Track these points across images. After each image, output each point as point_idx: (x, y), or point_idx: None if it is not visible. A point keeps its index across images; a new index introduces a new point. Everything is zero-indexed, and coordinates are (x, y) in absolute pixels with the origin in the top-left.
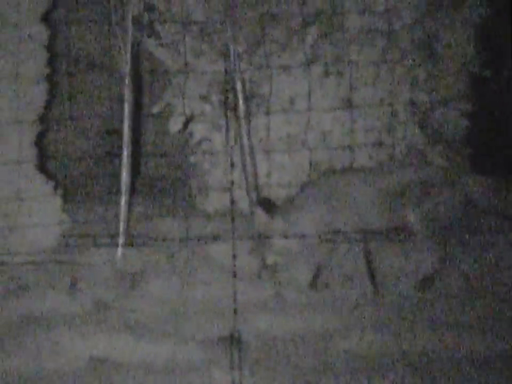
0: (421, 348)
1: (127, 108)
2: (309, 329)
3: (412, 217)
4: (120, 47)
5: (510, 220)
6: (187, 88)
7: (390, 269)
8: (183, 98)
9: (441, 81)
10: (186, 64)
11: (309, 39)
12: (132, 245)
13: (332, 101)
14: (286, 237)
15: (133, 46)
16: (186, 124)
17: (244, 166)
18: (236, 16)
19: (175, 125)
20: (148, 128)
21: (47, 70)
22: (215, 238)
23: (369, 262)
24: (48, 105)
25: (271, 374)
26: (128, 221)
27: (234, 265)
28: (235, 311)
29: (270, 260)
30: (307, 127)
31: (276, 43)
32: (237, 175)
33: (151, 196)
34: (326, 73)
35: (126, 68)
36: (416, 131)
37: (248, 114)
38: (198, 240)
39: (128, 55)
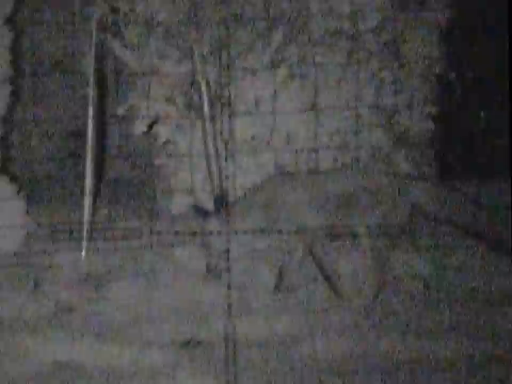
0: (385, 352)
1: (91, 110)
2: (273, 333)
3: (358, 224)
4: (84, 49)
5: (460, 227)
6: (152, 90)
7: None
8: (148, 100)
9: (407, 84)
10: (151, 65)
11: (274, 42)
12: (96, 248)
13: (296, 104)
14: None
15: (97, 48)
16: (150, 126)
17: (208, 168)
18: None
19: (139, 127)
20: (112, 130)
21: (10, 72)
22: (180, 240)
23: (321, 266)
24: (11, 107)
25: (235, 378)
26: (92, 223)
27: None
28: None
29: (214, 262)
30: (272, 129)
31: (241, 45)
32: (201, 177)
33: (115, 198)
34: (291, 76)
35: (90, 70)
36: (381, 134)
37: (213, 117)
38: (163, 242)
39: (92, 57)
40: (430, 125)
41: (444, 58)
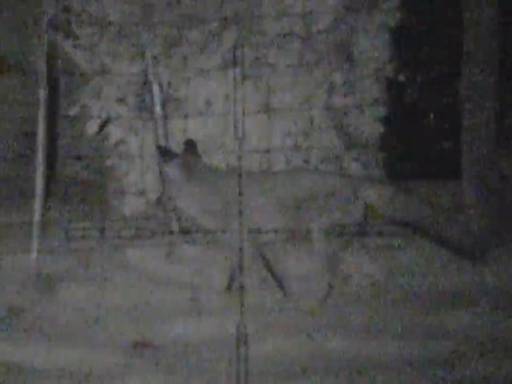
0: (333, 351)
1: (42, 110)
2: (224, 334)
3: (311, 224)
4: (36, 48)
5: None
6: (103, 90)
7: (299, 273)
8: (99, 100)
9: (357, 86)
10: (102, 66)
11: (227, 42)
12: (47, 249)
13: (249, 105)
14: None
15: (49, 48)
16: (102, 127)
17: (159, 169)
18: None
19: (91, 128)
20: (63, 130)
21: None
22: (132, 242)
23: (269, 267)
24: None
25: (185, 379)
26: (43, 224)
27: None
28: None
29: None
30: (224, 130)
31: (194, 46)
32: (153, 178)
33: (66, 200)
34: (244, 77)
35: (42, 70)
36: (332, 135)
37: (165, 117)
38: (114, 244)
39: (44, 57)
40: (380, 126)
41: (394, 60)
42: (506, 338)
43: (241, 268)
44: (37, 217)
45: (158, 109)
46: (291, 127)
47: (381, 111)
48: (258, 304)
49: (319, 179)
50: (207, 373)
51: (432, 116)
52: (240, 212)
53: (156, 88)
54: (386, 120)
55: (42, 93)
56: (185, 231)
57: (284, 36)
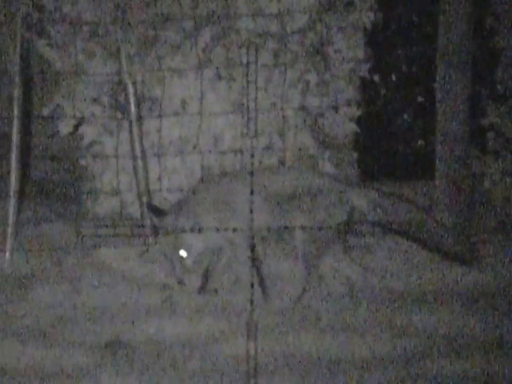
0: (306, 351)
1: (16, 110)
2: (196, 334)
3: (296, 223)
4: (9, 48)
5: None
6: (77, 90)
7: (277, 272)
8: (74, 100)
9: (332, 86)
10: (76, 65)
11: (202, 42)
12: (20, 249)
13: (223, 105)
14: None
15: (22, 47)
16: (76, 127)
17: (134, 169)
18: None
19: (65, 128)
20: (37, 130)
21: None
22: (105, 242)
23: (257, 266)
24: None
25: (158, 378)
26: (16, 225)
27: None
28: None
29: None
30: (199, 130)
31: (168, 45)
32: (127, 178)
33: (40, 200)
34: (218, 77)
35: (15, 69)
36: (307, 136)
37: (140, 117)
38: (88, 244)
39: (18, 56)
40: (354, 126)
41: (368, 60)
42: (477, 336)
43: (216, 269)
44: (11, 217)
45: (132, 108)
46: (265, 127)
47: (356, 111)
48: (231, 304)
49: (301, 178)
50: (179, 373)
51: (406, 115)
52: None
53: (130, 88)
54: (360, 120)
55: (16, 93)
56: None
57: (259, 35)
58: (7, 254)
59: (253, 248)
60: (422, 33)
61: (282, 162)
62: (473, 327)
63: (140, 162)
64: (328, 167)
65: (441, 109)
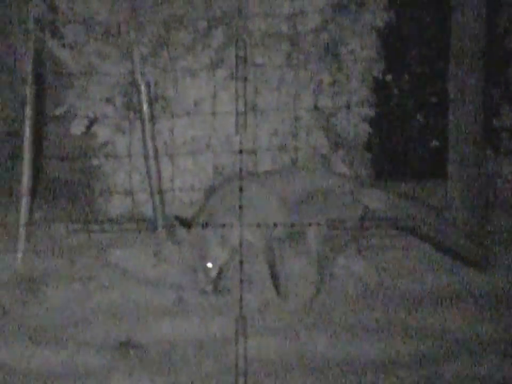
0: (320, 352)
1: (29, 110)
2: (209, 334)
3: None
4: (22, 48)
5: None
6: (90, 90)
7: (291, 273)
8: (86, 100)
9: (345, 86)
10: (89, 65)
11: (214, 42)
12: (32, 249)
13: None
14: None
15: (35, 47)
16: (89, 127)
17: (147, 169)
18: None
19: (77, 128)
20: (50, 130)
21: None
22: (118, 242)
23: (272, 267)
24: None
25: (170, 379)
26: (28, 225)
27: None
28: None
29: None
30: (211, 130)
31: (181, 46)
32: (140, 178)
33: (53, 200)
34: (231, 77)
35: (28, 69)
36: (320, 136)
37: (152, 117)
38: (100, 244)
39: (31, 56)
40: (367, 127)
41: (381, 60)
42: (491, 338)
43: (227, 268)
44: (23, 217)
45: (145, 109)
46: (278, 127)
47: (368, 111)
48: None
49: (314, 178)
50: (191, 373)
51: (419, 116)
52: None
53: (143, 88)
54: (373, 121)
55: (28, 93)
56: (171, 231)
57: (271, 36)
58: (20, 254)
59: (267, 248)
60: (434, 33)
61: (295, 163)
62: (487, 329)
63: (152, 162)
64: (341, 167)
65: (454, 109)
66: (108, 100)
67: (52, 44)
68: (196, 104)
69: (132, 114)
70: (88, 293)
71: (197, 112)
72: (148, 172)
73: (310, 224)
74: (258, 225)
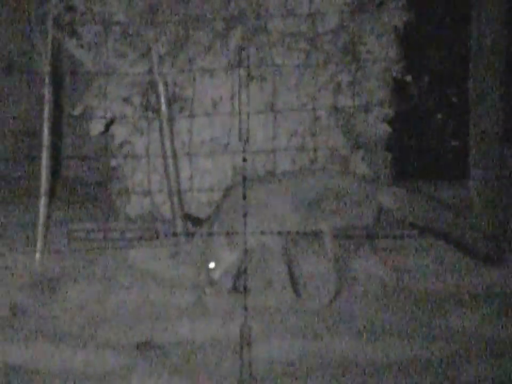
0: (340, 353)
1: (47, 110)
2: (229, 335)
3: (324, 225)
4: (40, 48)
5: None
6: (108, 90)
7: (310, 274)
8: (104, 100)
9: (364, 86)
10: (108, 65)
11: (233, 42)
12: (51, 250)
13: (255, 105)
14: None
15: (53, 47)
16: (107, 127)
17: (165, 169)
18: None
19: (96, 128)
20: (68, 130)
21: None
22: (136, 242)
23: (290, 268)
24: None
25: (190, 379)
26: (47, 225)
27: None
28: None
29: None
30: (230, 130)
31: (199, 45)
32: (158, 178)
33: (71, 200)
34: (250, 77)
35: (46, 69)
36: (339, 136)
37: (171, 117)
38: (119, 244)
39: (49, 56)
40: (387, 127)
41: (400, 60)
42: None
43: (247, 268)
44: (41, 217)
45: (163, 109)
46: (297, 127)
47: (388, 111)
48: (263, 305)
49: (329, 179)
50: (211, 374)
51: (439, 116)
52: (245, 214)
53: (161, 88)
54: (393, 121)
55: (47, 93)
56: (190, 232)
57: (290, 36)
58: (38, 254)
59: (285, 250)
60: (454, 33)
61: (314, 163)
62: (508, 329)
63: (170, 162)
64: (361, 168)
65: (474, 108)
66: (126, 100)
67: (70, 44)
68: (214, 104)
69: (150, 114)
70: (107, 293)
71: (215, 112)
72: (166, 172)
73: (324, 226)
74: (274, 228)
